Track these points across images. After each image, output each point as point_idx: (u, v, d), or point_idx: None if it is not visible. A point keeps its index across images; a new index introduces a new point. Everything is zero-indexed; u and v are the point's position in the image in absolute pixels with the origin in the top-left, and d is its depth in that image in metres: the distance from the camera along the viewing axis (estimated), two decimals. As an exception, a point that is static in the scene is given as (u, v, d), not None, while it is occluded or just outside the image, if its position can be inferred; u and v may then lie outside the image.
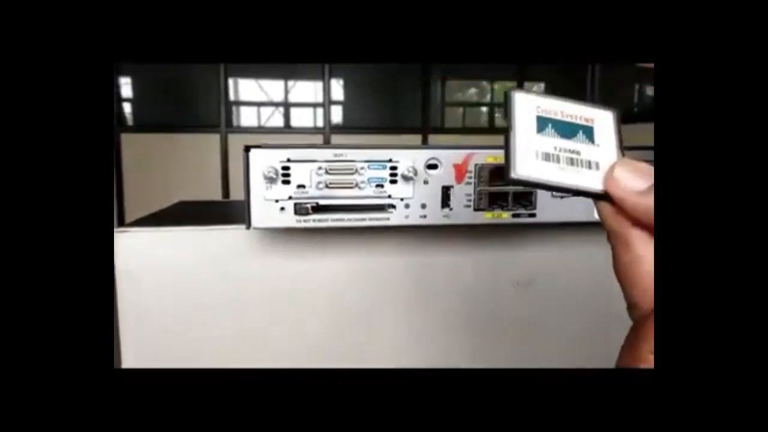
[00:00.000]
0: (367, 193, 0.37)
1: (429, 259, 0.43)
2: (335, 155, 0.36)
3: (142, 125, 3.51)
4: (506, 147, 0.21)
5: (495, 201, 0.39)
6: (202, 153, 3.53)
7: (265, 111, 3.72)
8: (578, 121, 0.22)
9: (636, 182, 0.20)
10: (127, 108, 3.56)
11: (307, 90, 3.70)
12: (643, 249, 0.20)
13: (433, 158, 0.37)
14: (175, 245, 0.40)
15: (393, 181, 0.37)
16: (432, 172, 0.37)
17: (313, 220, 0.37)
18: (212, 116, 3.53)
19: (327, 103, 3.64)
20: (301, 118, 3.75)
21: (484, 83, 4.01)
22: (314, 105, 3.71)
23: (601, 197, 0.21)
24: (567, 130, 0.22)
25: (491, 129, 3.96)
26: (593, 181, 0.21)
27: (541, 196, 0.39)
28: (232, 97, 3.60)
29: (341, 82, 3.74)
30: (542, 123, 0.21)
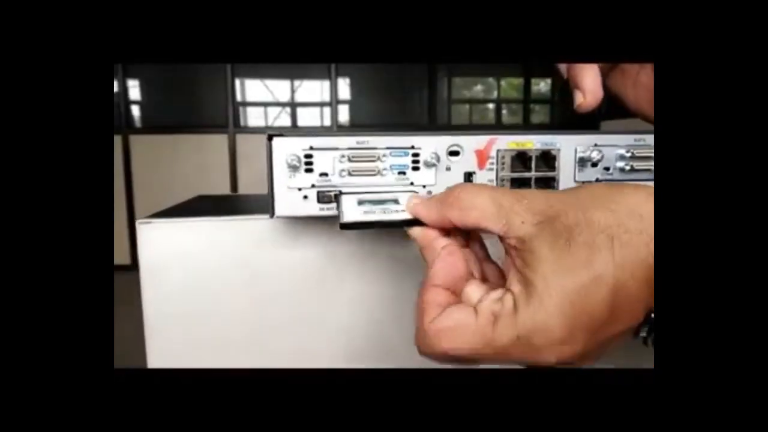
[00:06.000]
0: (389, 181, 0.37)
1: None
2: (358, 143, 0.36)
3: (151, 127, 3.54)
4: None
5: (517, 187, 0.39)
6: (210, 153, 3.54)
7: (272, 111, 3.73)
8: (388, 197, 0.35)
9: (417, 198, 0.32)
10: (135, 110, 3.58)
11: (313, 89, 3.70)
12: (441, 246, 0.30)
13: (455, 144, 0.37)
14: (200, 235, 0.41)
15: (415, 168, 0.37)
16: (454, 158, 0.37)
17: (336, 209, 0.37)
18: (220, 117, 3.54)
19: (334, 102, 3.64)
20: (308, 117, 3.75)
21: (491, 80, 4.00)
22: (321, 104, 3.71)
23: (411, 222, 0.31)
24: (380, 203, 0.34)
25: (498, 125, 3.95)
26: (401, 216, 0.32)
27: (563, 181, 0.39)
28: (239, 97, 3.61)
29: (348, 80, 3.74)
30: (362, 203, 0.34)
